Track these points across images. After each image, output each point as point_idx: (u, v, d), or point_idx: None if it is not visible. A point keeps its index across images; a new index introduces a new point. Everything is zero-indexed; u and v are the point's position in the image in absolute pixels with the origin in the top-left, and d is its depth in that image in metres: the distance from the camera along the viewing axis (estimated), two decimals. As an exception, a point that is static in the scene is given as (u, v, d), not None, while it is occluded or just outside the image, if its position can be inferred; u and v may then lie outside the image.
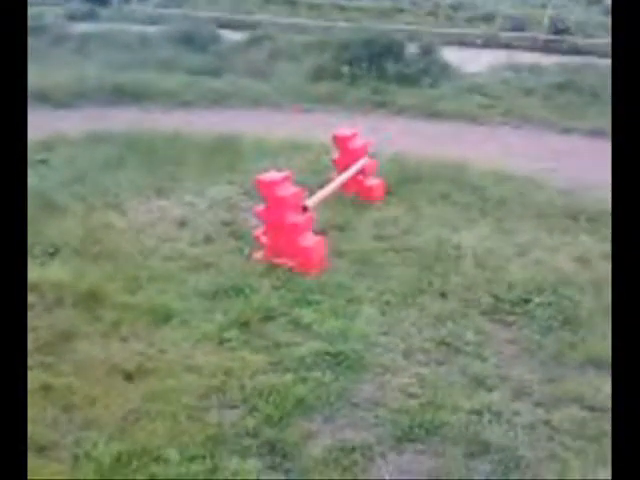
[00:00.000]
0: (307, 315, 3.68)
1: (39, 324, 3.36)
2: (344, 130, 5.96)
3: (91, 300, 3.61)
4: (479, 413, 2.97)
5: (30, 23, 17.63)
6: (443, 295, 4.05)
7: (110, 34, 16.46)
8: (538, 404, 3.09)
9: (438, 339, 3.58)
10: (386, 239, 4.91)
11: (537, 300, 3.99)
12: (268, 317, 3.67)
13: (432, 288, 4.12)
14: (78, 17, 24.64)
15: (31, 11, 24.06)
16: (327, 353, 3.35)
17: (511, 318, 3.86)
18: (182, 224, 4.97)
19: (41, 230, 4.36)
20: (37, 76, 10.61)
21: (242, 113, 9.92)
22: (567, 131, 9.66)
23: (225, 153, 6.81)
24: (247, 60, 13.66)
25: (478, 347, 3.53)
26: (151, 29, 17.79)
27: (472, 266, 4.44)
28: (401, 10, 28.84)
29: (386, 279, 4.24)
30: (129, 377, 3.05)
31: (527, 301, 3.99)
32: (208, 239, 4.74)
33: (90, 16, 25.87)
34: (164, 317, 3.56)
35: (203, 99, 10.46)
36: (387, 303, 3.95)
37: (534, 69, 13.65)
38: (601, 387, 3.15)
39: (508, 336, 3.68)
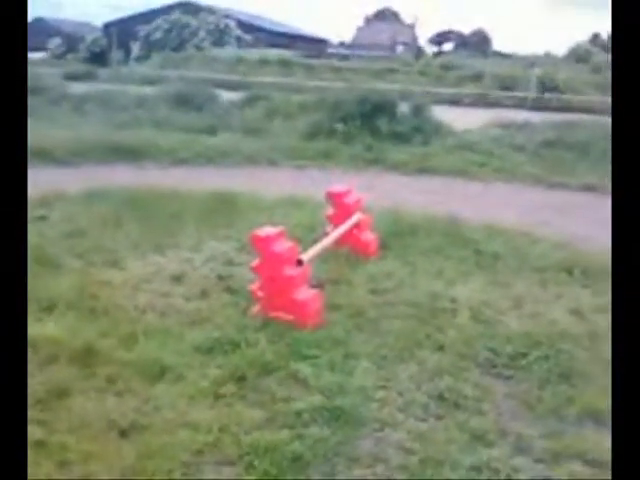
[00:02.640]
0: (304, 369, 3.66)
1: (33, 380, 3.32)
2: (338, 186, 6.07)
3: (86, 356, 3.58)
4: (479, 470, 2.93)
5: (29, 83, 18.07)
6: (440, 349, 4.04)
7: (108, 94, 16.88)
8: (538, 460, 3.05)
9: (436, 393, 3.55)
10: (381, 293, 4.92)
11: (534, 354, 3.99)
12: (264, 372, 3.64)
13: (429, 342, 4.12)
14: (77, 77, 25.35)
15: (30, 71, 24.61)
16: (324, 408, 3.31)
17: (509, 372, 3.85)
18: (178, 279, 4.98)
19: (38, 286, 4.35)
20: (36, 135, 10.80)
21: (238, 170, 10.10)
22: (558, 186, 9.85)
23: (221, 209, 6.89)
24: (243, 119, 13.99)
25: (476, 402, 3.50)
26: (149, 89, 18.24)
27: (468, 319, 4.45)
28: (393, 70, 29.79)
29: (382, 333, 4.24)
30: (124, 434, 3.00)
31: (524, 355, 3.98)
32: (204, 294, 4.74)
33: (89, 76, 26.66)
34: (159, 373, 3.52)
35: (199, 157, 10.65)
36: (384, 357, 3.93)
37: (523, 126, 14.00)
38: (601, 442, 3.11)
39: (506, 390, 3.66)
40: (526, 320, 4.52)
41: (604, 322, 4.35)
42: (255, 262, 4.43)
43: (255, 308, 4.38)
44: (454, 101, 22.50)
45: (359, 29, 69.41)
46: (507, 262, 5.73)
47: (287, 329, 4.12)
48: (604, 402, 3.29)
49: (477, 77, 27.57)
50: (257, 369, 3.64)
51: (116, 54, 43.19)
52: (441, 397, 3.53)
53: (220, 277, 5.08)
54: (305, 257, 4.54)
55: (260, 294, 4.40)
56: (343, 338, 4.12)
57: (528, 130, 13.56)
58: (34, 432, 2.92)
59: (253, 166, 10.50)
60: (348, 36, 71.75)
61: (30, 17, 60.70)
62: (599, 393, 3.48)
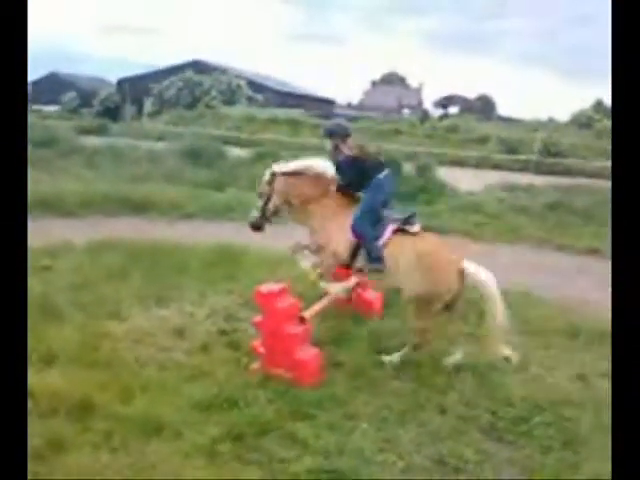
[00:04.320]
0: (302, 429, 3.62)
1: (32, 432, 3.29)
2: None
3: (84, 409, 3.55)
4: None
5: (42, 135, 18.60)
6: (442, 411, 4.00)
7: (119, 148, 17.22)
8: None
9: (437, 457, 3.50)
10: (383, 352, 4.89)
11: (537, 419, 3.93)
12: (263, 430, 3.60)
13: (430, 404, 4.07)
14: (90, 131, 25.88)
15: (44, 123, 25.34)
16: (322, 470, 3.26)
17: (511, 437, 3.79)
18: (180, 333, 4.97)
19: (40, 337, 4.36)
20: (46, 186, 11.00)
21: (244, 225, 10.14)
22: (562, 249, 9.87)
23: (226, 264, 6.93)
24: (251, 175, 14.18)
25: (478, 467, 3.45)
26: (159, 145, 18.62)
27: (470, 382, 4.41)
28: (399, 132, 30.35)
29: (383, 394, 4.20)
30: (118, 491, 2.95)
31: (526, 420, 3.93)
32: (205, 349, 4.72)
33: (102, 131, 27.22)
34: (156, 428, 3.49)
35: (206, 211, 10.75)
36: (384, 419, 3.88)
37: (528, 189, 14.16)
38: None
39: (508, 455, 3.60)
40: (529, 384, 4.47)
41: (607, 388, 4.30)
42: (257, 318, 4.43)
43: (256, 364, 4.36)
44: (459, 163, 22.82)
45: (366, 92, 71.08)
46: (510, 324, 5.69)
47: (287, 387, 4.09)
48: (607, 469, 3.22)
49: (482, 140, 28.04)
50: (256, 428, 3.60)
51: (129, 110, 44.28)
52: (442, 461, 3.47)
53: (222, 332, 5.07)
54: (307, 314, 4.54)
55: (262, 350, 4.38)
56: (343, 398, 4.08)
57: (532, 193, 13.71)
58: (29, 487, 2.88)
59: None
60: (355, 98, 73.51)
61: (45, 71, 62.75)
62: (602, 460, 3.42)
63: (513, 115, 55.42)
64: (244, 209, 11.15)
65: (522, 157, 23.99)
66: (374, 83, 75.40)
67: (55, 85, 56.50)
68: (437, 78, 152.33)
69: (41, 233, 7.79)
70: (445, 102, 73.19)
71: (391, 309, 5.88)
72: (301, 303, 4.51)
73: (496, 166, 22.62)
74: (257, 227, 5.44)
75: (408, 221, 4.86)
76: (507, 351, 4.61)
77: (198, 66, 47.07)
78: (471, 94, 75.72)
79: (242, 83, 46.02)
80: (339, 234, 4.94)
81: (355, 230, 4.85)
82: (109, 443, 3.31)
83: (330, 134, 5.15)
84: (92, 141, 19.55)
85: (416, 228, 4.87)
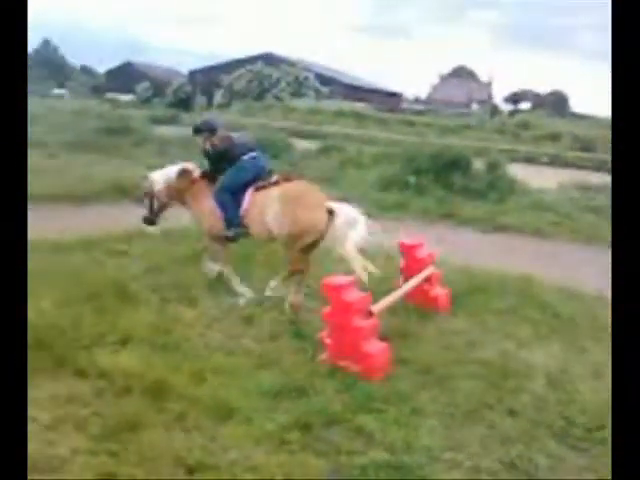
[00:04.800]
0: (369, 423, 3.60)
1: (107, 411, 3.41)
2: (410, 239, 6.06)
3: (157, 390, 3.65)
4: None
5: (117, 124, 19.16)
6: (512, 413, 3.90)
7: (190, 138, 17.56)
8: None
9: (507, 460, 3.41)
10: (451, 350, 4.82)
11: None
12: (330, 421, 3.61)
13: (500, 405, 3.98)
14: (162, 121, 26.58)
15: (118, 112, 26.15)
16: (389, 465, 3.24)
17: (585, 444, 3.66)
18: (249, 321, 5.04)
19: (115, 319, 4.52)
20: (121, 173, 11.37)
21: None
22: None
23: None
24: (317, 168, 14.24)
25: (550, 472, 3.35)
26: (229, 135, 18.85)
27: (543, 385, 4.28)
28: (468, 127, 29.77)
29: (451, 391, 4.13)
30: (190, 471, 3.02)
31: (602, 427, 3.78)
32: (273, 337, 4.78)
33: (173, 120, 27.90)
34: (226, 413, 3.55)
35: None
36: (452, 416, 3.83)
37: (602, 189, 13.62)
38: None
39: (582, 463, 3.48)
40: (604, 390, 4.30)
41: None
42: (325, 309, 4.45)
43: (323, 355, 4.37)
44: (530, 160, 22.19)
45: (434, 85, 70.07)
46: (584, 327, 5.51)
47: (354, 380, 4.08)
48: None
49: (554, 137, 27.16)
50: (323, 418, 3.61)
51: (200, 100, 45.18)
52: (512, 464, 3.39)
53: (290, 321, 5.11)
54: (375, 308, 4.52)
55: (329, 342, 4.39)
56: (410, 393, 4.04)
57: (606, 193, 13.19)
58: (105, 463, 2.98)
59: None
60: (423, 92, 72.59)
61: (119, 61, 64.78)
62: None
63: (587, 112, 53.43)
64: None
65: (597, 156, 23.12)
66: (443, 77, 74.22)
67: (130, 75, 58.29)
68: (507, 73, 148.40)
69: (116, 219, 8.07)
70: (516, 97, 71.38)
71: (459, 307, 5.79)
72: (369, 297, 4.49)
73: (569, 164, 21.87)
74: (151, 222, 6.13)
75: (265, 177, 5.57)
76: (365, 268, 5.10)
77: (268, 58, 47.58)
78: (543, 90, 73.37)
79: (310, 76, 46.23)
80: (211, 213, 5.66)
81: (216, 201, 5.60)
82: (182, 424, 3.39)
83: (197, 131, 5.96)
84: (164, 130, 20.08)
85: (274, 178, 5.57)
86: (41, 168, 11.10)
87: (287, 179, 5.59)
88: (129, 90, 52.38)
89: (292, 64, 46.92)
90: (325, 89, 45.92)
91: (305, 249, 5.34)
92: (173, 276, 5.82)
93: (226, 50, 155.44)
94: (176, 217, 7.62)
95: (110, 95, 49.19)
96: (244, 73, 45.72)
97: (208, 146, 5.81)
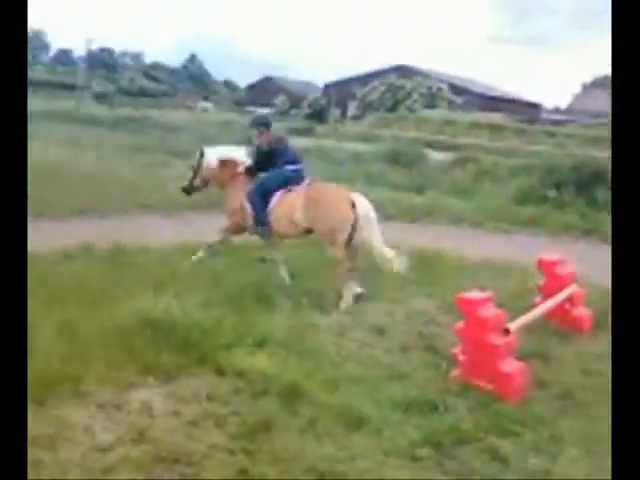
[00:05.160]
0: (505, 446, 3.46)
1: (245, 410, 3.55)
2: (551, 255, 5.78)
3: (291, 394, 3.74)
4: None
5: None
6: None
7: (325, 149, 17.98)
8: None
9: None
10: (593, 376, 4.53)
11: None
12: (461, 440, 3.51)
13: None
14: (299, 132, 27.41)
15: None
16: (528, 494, 3.09)
17: None
18: (380, 331, 5.05)
19: (253, 322, 4.70)
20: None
21: (443, 230, 10.07)
22: None
23: (425, 267, 6.89)
24: (451, 179, 14.01)
25: None
26: (362, 146, 19.12)
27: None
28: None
29: (593, 420, 3.87)
30: (321, 477, 3.06)
31: None
32: (404, 349, 4.74)
33: (309, 132, 28.68)
34: (357, 422, 3.56)
35: (406, 214, 10.81)
36: (595, 447, 3.58)
37: None
38: None
39: None
40: None
41: None
42: (459, 325, 4.35)
43: (456, 372, 4.27)
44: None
45: (576, 95, 66.48)
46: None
47: (488, 399, 3.95)
48: None
49: None
50: (454, 436, 3.52)
51: (334, 112, 46.11)
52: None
53: (421, 335, 5.06)
54: (513, 326, 4.35)
55: (462, 358, 4.29)
56: (549, 418, 3.84)
57: None
58: (241, 461, 3.10)
59: (458, 227, 10.42)
60: (564, 102, 69.14)
61: (259, 76, 67.62)
62: None
63: None
64: (443, 213, 11.07)
65: None
66: (585, 86, 70.21)
67: (268, 89, 60.80)
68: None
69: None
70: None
71: (602, 330, 5.42)
72: (505, 314, 4.34)
73: None
74: (187, 192, 6.70)
75: (295, 182, 6.05)
76: (396, 261, 5.69)
77: (401, 70, 47.63)
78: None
79: (443, 86, 45.63)
80: (242, 209, 6.17)
81: (248, 200, 6.10)
82: (314, 429, 3.45)
83: (254, 124, 6.49)
84: (300, 142, 20.69)
85: (306, 182, 6.10)
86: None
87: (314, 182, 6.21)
88: (268, 103, 54.61)
89: (425, 75, 46.59)
90: (459, 100, 45.08)
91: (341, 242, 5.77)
92: (308, 283, 5.96)
93: (361, 63, 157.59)
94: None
95: (250, 108, 51.53)
96: (377, 85, 46.04)
97: (262, 141, 6.28)
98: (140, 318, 4.40)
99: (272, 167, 6.15)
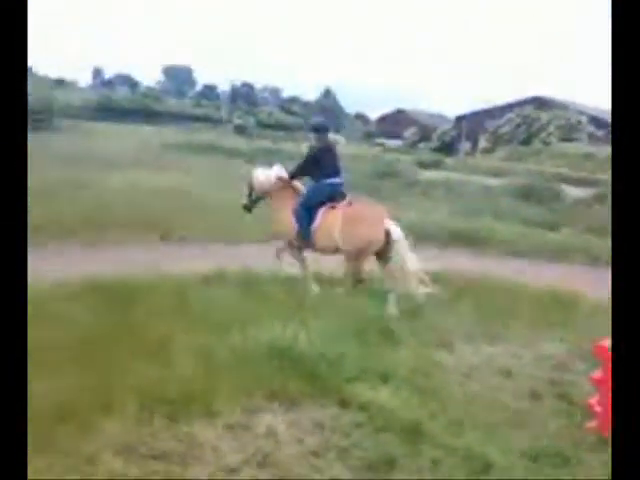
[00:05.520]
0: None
1: (367, 444, 3.56)
2: None
3: (414, 432, 3.69)
4: None
5: (385, 169, 20.18)
6: None
7: (453, 182, 17.76)
8: None
9: None
10: None
11: None
12: (598, 500, 3.29)
13: None
14: (428, 165, 27.33)
15: (387, 156, 27.59)
16: None
17: None
18: (508, 374, 4.87)
19: (378, 356, 4.71)
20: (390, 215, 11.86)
21: (580, 269, 9.55)
22: None
23: (559, 309, 6.58)
24: (590, 216, 13.28)
25: None
26: (493, 181, 18.66)
27: None
28: None
29: None
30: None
31: None
32: (534, 395, 4.53)
33: (438, 165, 28.51)
34: (483, 468, 3.44)
35: (538, 251, 10.39)
36: None
37: None
38: None
39: None
40: None
41: None
42: (597, 374, 4.09)
43: (591, 423, 4.02)
44: None
45: None
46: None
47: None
48: None
49: None
50: (590, 494, 3.30)
51: (464, 145, 45.47)
52: None
53: (552, 381, 4.81)
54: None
55: (599, 410, 4.03)
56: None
57: None
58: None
59: (595, 266, 9.82)
60: None
61: (392, 108, 68.13)
62: None
63: None
64: (579, 251, 10.50)
65: None
66: None
67: (400, 121, 61.18)
68: None
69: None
70: None
71: None
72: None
73: None
74: (248, 209, 7.35)
75: (337, 199, 6.61)
76: (424, 289, 6.21)
77: (538, 102, 46.11)
78: None
79: (583, 119, 43.57)
80: (289, 222, 6.75)
81: (294, 215, 6.68)
82: (437, 471, 3.38)
83: (314, 129, 7.00)
84: (429, 175, 20.62)
85: (345, 201, 6.63)
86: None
87: (354, 201, 6.74)
88: (398, 135, 54.93)
89: (564, 107, 44.75)
90: (600, 133, 42.79)
91: (364, 259, 6.45)
92: (431, 320, 5.88)
93: (496, 95, 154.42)
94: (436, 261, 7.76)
95: (379, 140, 52.11)
96: (512, 117, 44.85)
97: (316, 145, 6.84)
98: (269, 346, 4.55)
99: (315, 173, 6.73)
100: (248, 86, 79.74)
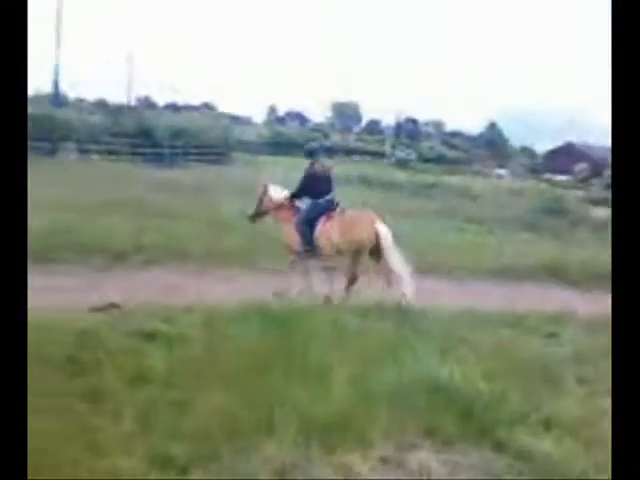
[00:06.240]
0: None
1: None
2: None
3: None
4: None
5: (553, 204, 19.23)
6: None
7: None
8: None
9: None
10: None
11: None
12: None
13: None
14: (598, 202, 25.51)
15: (555, 192, 26.14)
16: None
17: None
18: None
19: (541, 401, 4.46)
20: (552, 253, 11.32)
21: None
22: None
23: None
24: None
25: None
26: None
27: None
28: None
29: None
30: None
31: None
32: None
33: (608, 202, 26.42)
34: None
35: None
36: None
37: None
38: None
39: None
40: None
41: None
42: None
43: None
44: None
45: None
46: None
47: None
48: None
49: None
50: None
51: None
52: None
53: None
54: None
55: None
56: None
57: None
58: None
59: None
60: None
61: (561, 141, 64.63)
62: None
63: None
64: None
65: None
66: None
67: (570, 155, 57.96)
68: None
69: (544, 299, 8.03)
70: None
71: None
72: None
73: None
74: (253, 220, 8.38)
75: (331, 209, 7.71)
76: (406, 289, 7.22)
77: None
78: None
79: None
80: (293, 235, 7.78)
81: (296, 229, 7.71)
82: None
83: (309, 154, 8.14)
84: (600, 212, 19.26)
85: (338, 210, 7.73)
86: (480, 243, 11.93)
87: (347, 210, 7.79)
88: (566, 170, 52.03)
89: None
90: None
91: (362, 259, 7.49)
92: (600, 367, 5.46)
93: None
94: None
95: (547, 175, 49.74)
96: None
97: (313, 169, 7.83)
98: (425, 382, 4.49)
99: (314, 192, 7.72)
100: (412, 121, 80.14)
